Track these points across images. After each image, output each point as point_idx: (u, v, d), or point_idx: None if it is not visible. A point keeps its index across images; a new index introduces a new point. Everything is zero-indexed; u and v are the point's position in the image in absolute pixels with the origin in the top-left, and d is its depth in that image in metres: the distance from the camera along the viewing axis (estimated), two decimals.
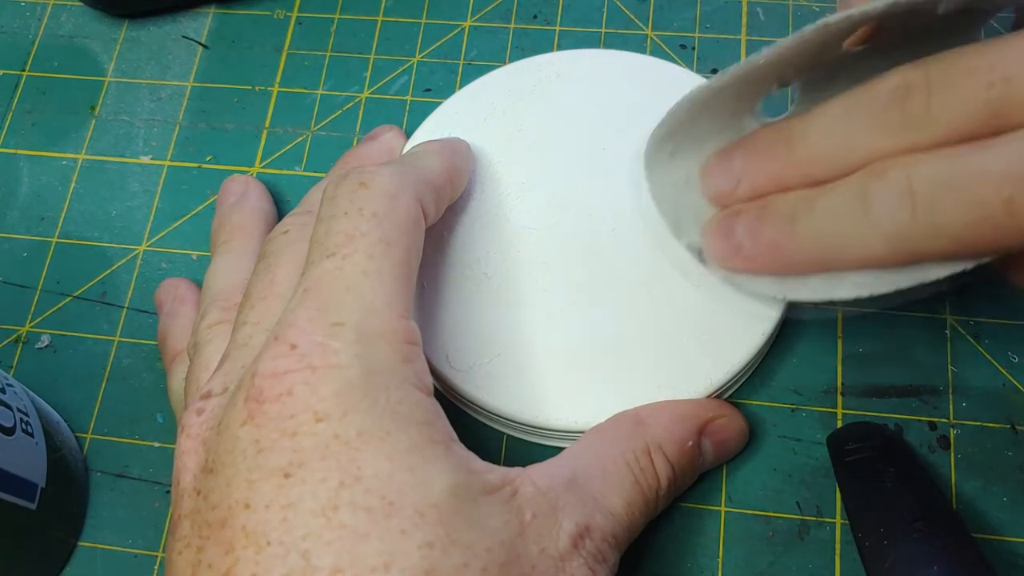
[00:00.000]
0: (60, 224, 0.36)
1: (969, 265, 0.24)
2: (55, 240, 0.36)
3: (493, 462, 0.24)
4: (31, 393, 0.31)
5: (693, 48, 0.37)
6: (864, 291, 0.25)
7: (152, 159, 0.38)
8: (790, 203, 0.26)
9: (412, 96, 0.38)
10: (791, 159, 0.26)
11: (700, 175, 0.29)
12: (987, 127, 0.22)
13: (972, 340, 0.31)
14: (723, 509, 0.30)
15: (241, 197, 0.34)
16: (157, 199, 0.37)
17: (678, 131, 0.28)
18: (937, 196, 0.22)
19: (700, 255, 0.29)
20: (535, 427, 0.29)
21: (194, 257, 0.36)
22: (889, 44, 0.26)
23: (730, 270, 0.28)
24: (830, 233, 0.25)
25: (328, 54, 0.39)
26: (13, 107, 0.39)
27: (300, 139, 0.37)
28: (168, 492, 0.32)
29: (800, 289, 0.27)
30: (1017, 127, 0.21)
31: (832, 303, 0.26)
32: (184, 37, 0.40)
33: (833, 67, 0.27)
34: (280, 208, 0.36)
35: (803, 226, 0.25)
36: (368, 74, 0.38)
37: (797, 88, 0.28)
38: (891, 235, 0.23)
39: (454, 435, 0.24)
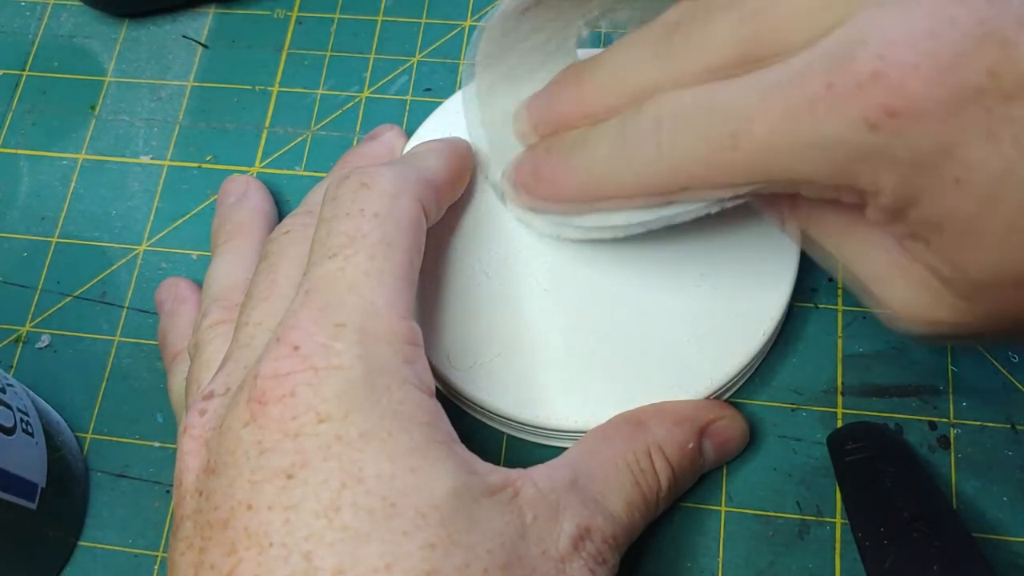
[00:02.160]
0: (60, 224, 0.36)
1: (713, 209, 0.24)
2: (55, 240, 0.36)
3: (493, 462, 0.24)
4: (31, 393, 0.31)
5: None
6: (620, 232, 0.26)
7: (152, 159, 0.38)
8: (570, 138, 0.26)
9: (412, 96, 0.38)
10: (579, 95, 0.26)
11: (512, 115, 0.29)
12: (738, 63, 0.22)
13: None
14: (723, 509, 0.30)
15: (241, 197, 0.34)
16: (157, 199, 0.37)
17: (488, 61, 0.29)
18: (677, 130, 0.22)
19: (501, 194, 0.30)
20: (535, 427, 0.29)
21: (194, 257, 0.36)
22: None
23: (520, 206, 0.29)
24: (596, 167, 0.25)
25: (328, 54, 0.39)
26: (13, 107, 0.39)
27: (300, 139, 0.37)
28: (168, 492, 0.32)
29: (575, 227, 0.27)
30: (764, 63, 0.21)
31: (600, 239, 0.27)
32: (184, 37, 0.40)
33: (643, 6, 0.27)
34: (281, 208, 0.36)
35: (576, 160, 0.26)
36: (368, 74, 0.38)
37: (611, 30, 0.29)
38: (640, 171, 0.24)
39: (456, 436, 0.24)
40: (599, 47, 0.30)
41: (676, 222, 0.25)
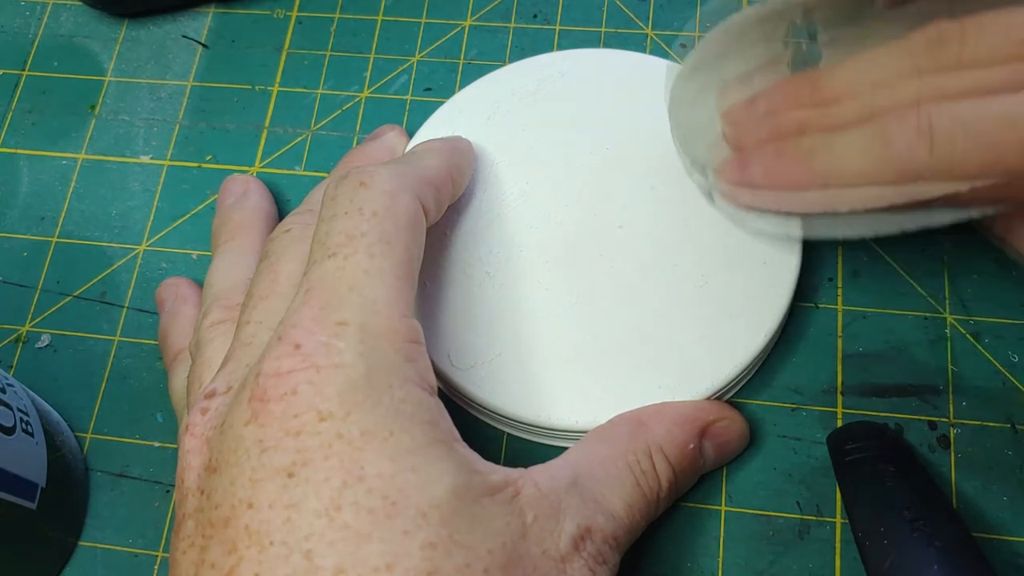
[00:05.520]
0: (60, 224, 0.36)
1: (975, 214, 0.24)
2: (55, 240, 0.36)
3: (494, 461, 0.24)
4: (31, 393, 0.31)
5: (693, 48, 0.37)
6: (870, 231, 0.25)
7: (152, 159, 0.38)
8: (809, 142, 0.26)
9: (412, 96, 0.38)
10: (816, 99, 0.26)
11: (718, 92, 0.29)
12: (1014, 82, 0.22)
13: (972, 340, 0.31)
14: (723, 509, 0.30)
15: (242, 196, 0.34)
16: (157, 199, 0.37)
17: (705, 64, 0.29)
18: (956, 136, 0.22)
19: (709, 193, 0.29)
20: (536, 426, 0.29)
21: (194, 257, 0.36)
22: (929, 6, 0.26)
23: (741, 206, 0.28)
24: (847, 172, 0.25)
25: (328, 54, 0.39)
26: (13, 107, 0.39)
27: (300, 139, 0.37)
28: (168, 492, 0.32)
29: (807, 228, 0.27)
30: None
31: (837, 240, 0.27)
32: (184, 37, 0.40)
33: (865, 25, 0.27)
34: (281, 208, 0.36)
35: (821, 164, 0.25)
36: (368, 74, 0.38)
37: (825, 47, 0.28)
38: (905, 172, 0.23)
39: (457, 435, 0.24)
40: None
41: (934, 224, 0.24)
